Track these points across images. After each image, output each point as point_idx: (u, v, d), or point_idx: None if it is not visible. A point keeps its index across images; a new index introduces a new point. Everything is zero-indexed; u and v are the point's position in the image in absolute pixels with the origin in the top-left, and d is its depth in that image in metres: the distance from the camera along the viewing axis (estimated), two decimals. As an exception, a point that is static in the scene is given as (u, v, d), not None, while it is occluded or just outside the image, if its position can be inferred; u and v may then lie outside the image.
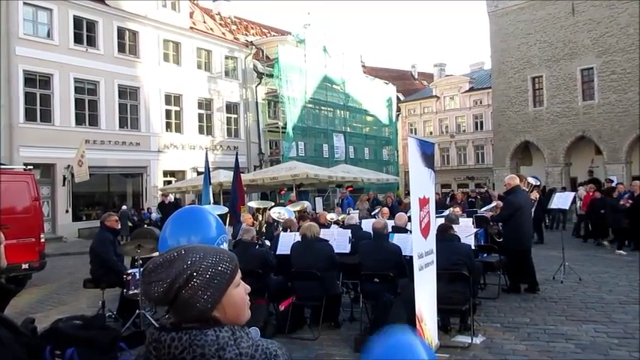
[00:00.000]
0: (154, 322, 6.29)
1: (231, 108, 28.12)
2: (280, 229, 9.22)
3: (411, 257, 5.15)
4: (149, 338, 1.23)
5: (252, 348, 1.23)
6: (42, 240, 10.04)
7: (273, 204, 13.07)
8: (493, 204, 10.89)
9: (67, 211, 20.40)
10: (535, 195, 9.55)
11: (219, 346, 1.18)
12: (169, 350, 1.18)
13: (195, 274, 1.22)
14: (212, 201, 11.68)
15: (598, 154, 27.35)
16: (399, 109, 43.86)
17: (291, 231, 8.07)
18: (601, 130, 26.07)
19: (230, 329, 1.22)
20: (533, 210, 9.35)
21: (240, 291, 1.31)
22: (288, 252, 6.78)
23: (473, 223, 8.47)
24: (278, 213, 10.18)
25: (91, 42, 21.58)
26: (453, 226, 6.79)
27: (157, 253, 5.87)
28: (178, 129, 25.15)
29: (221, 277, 1.26)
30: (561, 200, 10.62)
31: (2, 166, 11.61)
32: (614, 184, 15.91)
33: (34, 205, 9.95)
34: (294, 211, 11.30)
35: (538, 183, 10.20)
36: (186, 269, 1.22)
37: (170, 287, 1.20)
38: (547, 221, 18.40)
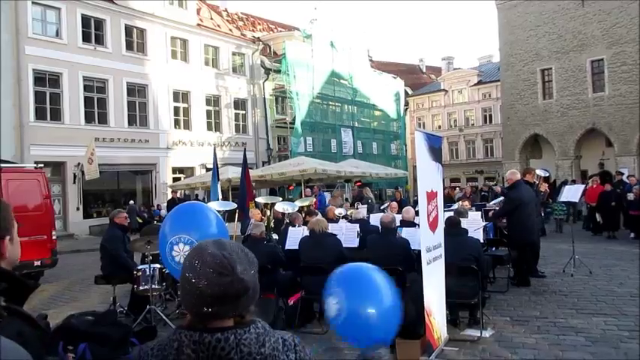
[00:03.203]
0: (164, 317, 6.36)
1: (239, 104, 28.17)
2: (287, 220, 9.26)
3: (420, 251, 5.16)
4: (185, 340, 1.19)
5: (278, 342, 1.25)
6: (53, 237, 10.15)
7: (281, 199, 13.10)
8: (501, 198, 10.85)
9: (77, 209, 20.59)
10: (544, 187, 9.49)
11: (261, 343, 1.20)
12: (214, 352, 1.17)
13: (254, 261, 1.28)
14: (221, 197, 11.72)
15: (609, 146, 27.09)
16: (407, 104, 43.70)
17: (298, 226, 8.08)
18: (612, 122, 25.81)
19: (262, 325, 1.24)
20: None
21: None
22: (297, 247, 6.80)
23: (482, 217, 8.45)
24: (282, 208, 10.23)
25: (100, 40, 21.70)
26: (462, 219, 6.79)
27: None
28: (187, 126, 25.25)
29: None
30: (571, 193, 10.55)
31: (13, 165, 11.75)
32: (624, 177, 15.84)
33: (45, 203, 10.05)
34: (303, 206, 11.33)
35: (547, 175, 10.13)
36: (251, 258, 1.26)
37: (256, 270, 1.24)
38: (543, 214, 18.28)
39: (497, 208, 9.35)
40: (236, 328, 1.20)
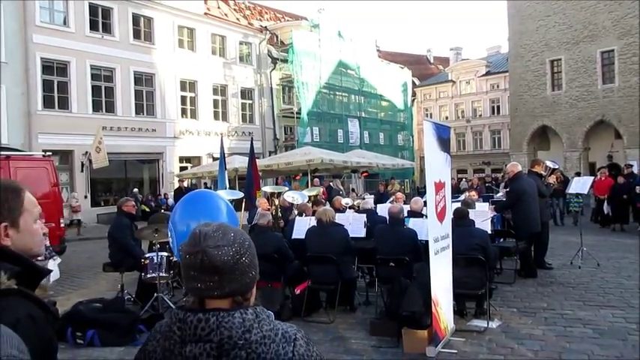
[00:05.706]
0: (172, 305, 6.39)
1: (245, 94, 28.14)
2: (295, 212, 9.26)
3: (427, 241, 5.14)
4: (173, 318, 1.24)
5: (273, 331, 1.23)
6: (62, 225, 10.22)
7: (287, 189, 13.08)
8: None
9: (85, 197, 20.70)
10: (553, 179, 9.42)
11: (246, 329, 1.19)
12: (195, 331, 1.18)
13: (248, 243, 1.27)
14: (228, 186, 11.74)
15: (618, 138, 26.83)
16: (414, 94, 43.48)
17: (305, 215, 8.08)
18: (621, 114, 25.54)
19: (254, 311, 1.23)
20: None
21: None
22: (304, 236, 6.80)
23: (489, 208, 8.42)
24: (292, 197, 10.21)
25: (107, 29, 21.69)
26: (469, 210, 6.75)
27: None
28: (194, 115, 25.27)
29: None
30: (580, 185, 10.47)
31: (22, 153, 11.82)
32: (634, 169, 15.70)
33: (53, 191, 10.11)
34: (310, 196, 11.31)
35: (557, 166, 10.05)
36: (244, 238, 1.27)
37: (237, 251, 1.22)
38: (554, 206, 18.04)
39: (504, 199, 9.29)
40: (220, 311, 1.20)
